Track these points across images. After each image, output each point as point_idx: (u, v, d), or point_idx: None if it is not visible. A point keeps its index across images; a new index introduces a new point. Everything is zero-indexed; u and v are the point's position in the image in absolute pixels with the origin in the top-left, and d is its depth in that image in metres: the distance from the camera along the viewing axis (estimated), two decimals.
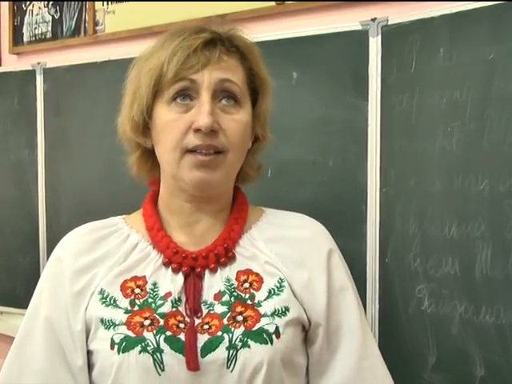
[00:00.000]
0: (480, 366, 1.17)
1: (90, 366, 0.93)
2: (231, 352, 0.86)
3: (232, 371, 0.85)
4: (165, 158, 0.93)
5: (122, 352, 0.87)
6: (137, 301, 0.92)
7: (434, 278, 1.23)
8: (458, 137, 1.20)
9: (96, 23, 1.93)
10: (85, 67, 1.82)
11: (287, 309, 0.91)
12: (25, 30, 2.13)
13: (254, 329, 0.88)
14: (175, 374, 0.86)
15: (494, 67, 1.15)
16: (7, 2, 2.16)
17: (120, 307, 0.91)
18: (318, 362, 0.95)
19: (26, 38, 2.13)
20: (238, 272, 0.94)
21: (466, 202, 1.18)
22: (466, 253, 1.18)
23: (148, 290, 0.93)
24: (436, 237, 1.23)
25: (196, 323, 0.89)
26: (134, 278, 0.94)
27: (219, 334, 0.88)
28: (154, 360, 0.86)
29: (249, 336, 0.87)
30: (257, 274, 0.94)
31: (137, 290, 0.93)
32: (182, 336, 0.88)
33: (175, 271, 0.94)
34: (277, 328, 0.89)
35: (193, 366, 0.85)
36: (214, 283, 0.93)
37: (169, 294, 0.92)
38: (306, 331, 0.95)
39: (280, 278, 0.94)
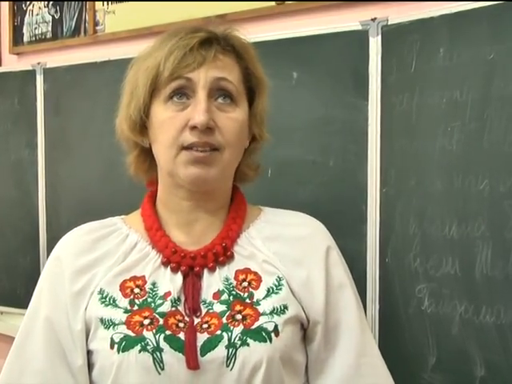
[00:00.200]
0: (480, 366, 1.16)
1: (90, 366, 0.93)
2: (230, 351, 0.86)
3: (231, 370, 0.86)
4: (162, 156, 0.94)
5: (122, 351, 0.87)
6: (136, 300, 0.92)
7: (434, 278, 1.23)
8: (458, 137, 1.20)
9: (96, 23, 1.93)
10: (85, 67, 1.82)
11: (286, 307, 0.92)
12: (25, 30, 2.13)
13: (253, 327, 0.88)
14: (175, 372, 0.86)
15: (493, 67, 1.15)
16: (7, 2, 2.16)
17: (119, 307, 0.92)
18: (316, 359, 0.96)
19: (26, 38, 2.13)
20: (236, 271, 0.95)
21: (466, 202, 1.18)
22: (466, 253, 1.18)
23: (147, 289, 0.93)
24: (436, 237, 1.23)
25: (195, 322, 0.90)
26: (133, 278, 0.94)
27: (218, 332, 0.88)
28: (154, 359, 0.86)
29: (248, 334, 0.87)
30: (255, 273, 0.94)
31: (136, 290, 0.93)
32: (181, 335, 0.88)
33: (174, 270, 0.94)
34: (276, 326, 0.89)
35: (193, 364, 0.85)
36: (212, 282, 0.94)
37: (168, 294, 0.92)
38: (305, 329, 0.96)
39: (278, 277, 0.94)
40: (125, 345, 0.87)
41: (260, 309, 0.91)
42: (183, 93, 0.91)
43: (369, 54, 1.33)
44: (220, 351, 0.86)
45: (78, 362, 0.92)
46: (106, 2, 1.90)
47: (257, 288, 0.93)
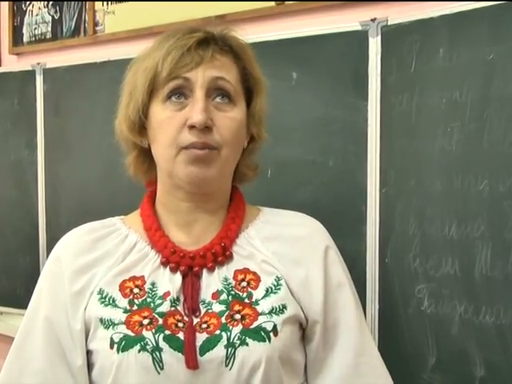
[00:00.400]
0: (480, 367, 1.16)
1: (90, 366, 0.93)
2: (229, 350, 0.86)
3: (230, 369, 0.86)
4: (161, 156, 0.94)
5: (122, 351, 0.87)
6: (136, 300, 0.92)
7: (433, 278, 1.23)
8: (457, 137, 1.20)
9: (96, 23, 1.93)
10: (84, 67, 1.83)
11: (284, 307, 0.92)
12: (25, 30, 2.13)
13: (252, 327, 0.89)
14: (174, 372, 0.86)
15: (493, 67, 1.15)
16: (7, 2, 2.16)
17: (119, 307, 0.92)
18: (315, 359, 0.96)
19: (25, 39, 2.13)
20: (235, 271, 0.95)
21: (465, 202, 1.18)
22: (465, 253, 1.18)
23: (147, 289, 0.93)
24: (436, 237, 1.23)
25: (194, 322, 0.90)
26: (133, 278, 0.94)
27: (217, 332, 0.88)
28: (154, 359, 0.86)
29: (247, 334, 0.88)
30: (254, 273, 0.95)
31: (135, 290, 0.93)
32: (180, 335, 0.88)
33: (173, 270, 0.94)
34: (274, 326, 0.89)
35: (192, 364, 0.85)
36: (211, 282, 0.94)
37: (167, 294, 0.92)
38: (304, 329, 0.96)
39: (277, 277, 0.94)
40: (124, 344, 0.87)
41: (259, 308, 0.91)
42: (181, 93, 0.92)
43: (368, 54, 1.33)
44: (219, 351, 0.86)
45: (78, 362, 0.92)
46: (105, 3, 1.90)
47: (256, 288, 0.93)
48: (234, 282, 0.94)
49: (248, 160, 1.03)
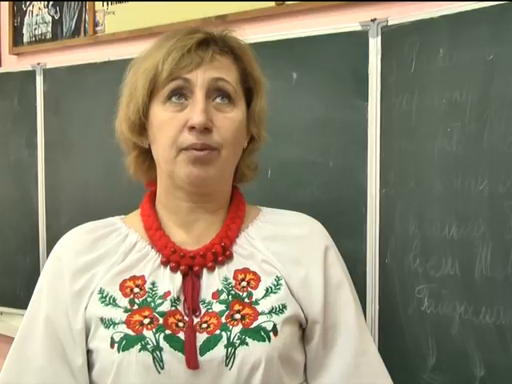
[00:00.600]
0: (480, 367, 1.17)
1: (90, 365, 0.93)
2: (229, 350, 0.86)
3: (230, 369, 0.86)
4: (161, 156, 0.94)
5: (122, 350, 0.87)
6: (136, 300, 0.92)
7: (433, 279, 1.23)
8: (457, 137, 1.20)
9: (96, 24, 1.93)
10: (85, 68, 1.83)
11: (284, 306, 0.92)
12: (25, 30, 2.13)
13: (252, 327, 0.88)
14: (175, 372, 0.86)
15: (493, 68, 1.15)
16: (7, 3, 2.16)
17: (119, 306, 0.92)
18: (315, 358, 0.95)
19: (25, 39, 2.13)
20: (235, 271, 0.95)
21: (465, 202, 1.18)
22: (465, 253, 1.18)
23: (147, 289, 0.93)
24: (436, 237, 1.23)
25: (195, 322, 0.89)
26: (133, 278, 0.94)
27: (217, 332, 0.88)
28: (154, 358, 0.86)
29: (247, 334, 0.88)
30: (254, 273, 0.95)
31: (136, 290, 0.93)
32: (181, 335, 0.88)
33: (173, 270, 0.94)
34: (274, 326, 0.89)
35: (192, 364, 0.85)
36: (211, 282, 0.94)
37: (168, 293, 0.92)
38: (304, 329, 0.96)
39: (277, 277, 0.94)
40: (125, 344, 0.87)
41: (259, 308, 0.91)
42: (181, 93, 0.92)
43: (369, 54, 1.33)
44: (219, 351, 0.86)
45: (78, 362, 0.92)
46: (105, 3, 1.90)
47: (256, 288, 0.93)
48: (234, 282, 0.93)
49: (248, 160, 1.03)
